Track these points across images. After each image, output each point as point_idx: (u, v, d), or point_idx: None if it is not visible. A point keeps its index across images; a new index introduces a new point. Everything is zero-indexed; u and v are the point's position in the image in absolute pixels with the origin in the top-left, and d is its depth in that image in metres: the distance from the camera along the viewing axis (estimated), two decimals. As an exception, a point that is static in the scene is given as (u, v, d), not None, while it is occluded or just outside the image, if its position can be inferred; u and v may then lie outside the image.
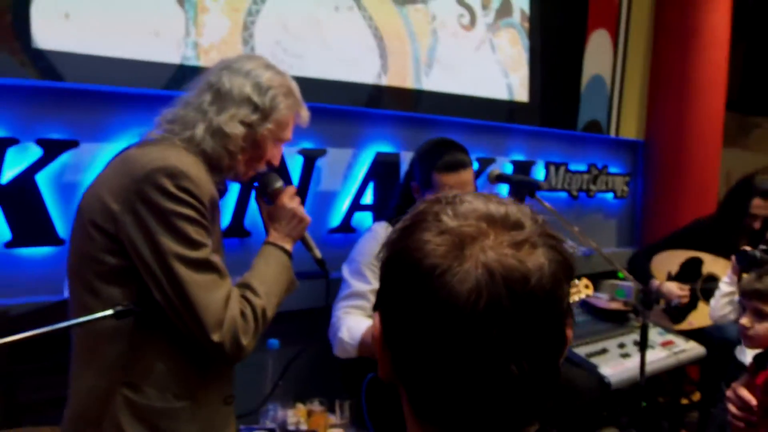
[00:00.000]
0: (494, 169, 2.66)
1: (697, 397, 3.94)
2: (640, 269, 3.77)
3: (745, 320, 2.22)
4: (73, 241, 1.61)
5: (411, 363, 0.75)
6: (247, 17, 2.69)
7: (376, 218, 3.08)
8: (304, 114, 1.80)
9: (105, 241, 1.52)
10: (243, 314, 1.58)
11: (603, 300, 3.37)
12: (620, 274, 4.13)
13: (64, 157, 2.32)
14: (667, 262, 3.77)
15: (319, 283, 2.64)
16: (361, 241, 2.57)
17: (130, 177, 1.51)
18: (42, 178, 2.29)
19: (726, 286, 2.99)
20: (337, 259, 2.62)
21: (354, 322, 2.36)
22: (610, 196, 4.52)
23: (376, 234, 2.53)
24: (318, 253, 1.94)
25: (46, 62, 2.22)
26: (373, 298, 2.43)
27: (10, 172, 2.23)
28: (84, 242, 1.55)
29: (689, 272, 3.69)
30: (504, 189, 3.57)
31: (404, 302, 0.75)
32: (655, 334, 3.34)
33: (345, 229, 3.08)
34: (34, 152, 2.26)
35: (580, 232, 2.46)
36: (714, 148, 4.62)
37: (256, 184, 1.89)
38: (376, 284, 2.42)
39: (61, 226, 2.31)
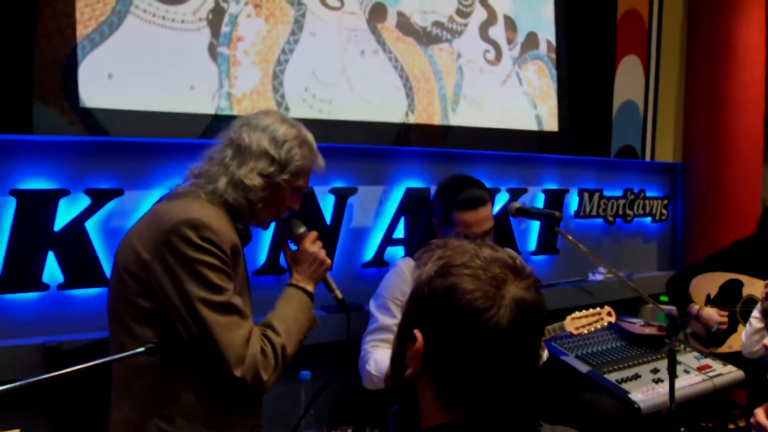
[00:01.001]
0: (514, 202, 2.69)
1: (744, 423, 3.88)
2: (679, 292, 3.75)
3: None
4: (111, 287, 1.77)
5: (453, 370, 1.01)
6: (277, 67, 2.84)
7: (406, 250, 3.14)
8: (320, 162, 1.93)
9: (138, 286, 1.68)
10: (263, 351, 1.71)
11: (637, 325, 3.38)
12: (663, 298, 4.15)
13: (111, 205, 2.49)
14: (707, 285, 3.74)
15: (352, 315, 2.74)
16: (386, 277, 2.65)
17: (159, 229, 1.67)
18: (91, 225, 2.47)
19: (757, 321, 2.93)
20: (371, 292, 2.74)
21: (380, 356, 2.44)
22: (648, 220, 4.51)
23: (399, 270, 2.61)
24: (338, 294, 2.04)
25: (92, 119, 2.43)
26: (398, 331, 2.51)
27: (63, 221, 2.42)
28: (120, 287, 1.71)
29: (729, 294, 3.66)
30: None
31: (454, 330, 1.01)
32: (691, 359, 3.32)
33: (378, 263, 3.16)
34: (83, 201, 2.45)
35: (597, 258, 2.51)
36: (754, 166, 4.56)
37: (281, 229, 2.03)
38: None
39: (109, 268, 2.42)
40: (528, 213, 2.64)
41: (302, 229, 1.99)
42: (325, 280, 2.01)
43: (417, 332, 1.04)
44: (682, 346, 3.36)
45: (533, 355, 1.05)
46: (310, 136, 1.90)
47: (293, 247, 2.00)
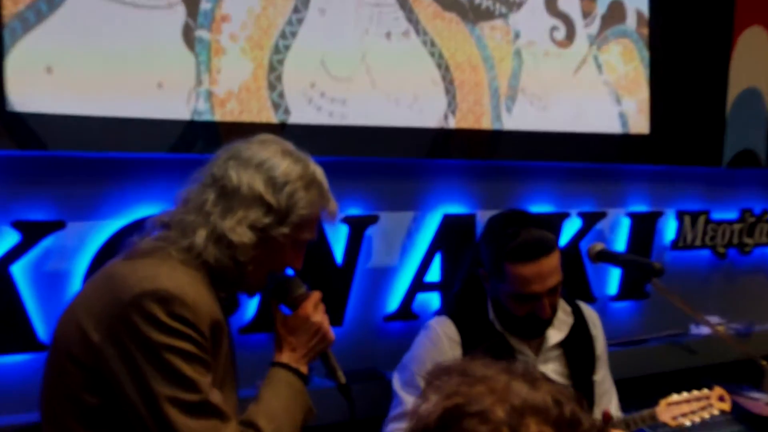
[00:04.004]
0: (597, 243, 2.63)
1: None
2: None
3: None
4: (47, 376, 1.74)
5: None
6: (274, 56, 2.80)
7: (443, 305, 3.13)
8: (332, 208, 1.91)
9: (84, 376, 1.65)
10: None
11: (761, 402, 3.29)
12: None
13: (47, 242, 2.48)
14: None
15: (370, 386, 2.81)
16: (416, 344, 2.61)
17: (115, 301, 1.64)
18: (19, 270, 2.44)
19: None
20: (395, 356, 2.71)
21: (406, 450, 2.40)
22: (773, 250, 4.41)
23: (433, 335, 2.57)
24: (342, 377, 2.01)
25: (24, 128, 2.38)
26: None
27: (-20, 264, 2.39)
28: (59, 377, 1.68)
29: None
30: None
31: None
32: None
33: (405, 316, 3.13)
34: (10, 238, 2.42)
35: (701, 316, 2.42)
36: None
37: (271, 287, 1.99)
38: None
39: (42, 328, 2.45)
40: (615, 260, 2.62)
41: (302, 289, 1.98)
42: (325, 357, 2.00)
43: None
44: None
45: None
46: (319, 173, 1.89)
47: (287, 311, 1.99)
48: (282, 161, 1.81)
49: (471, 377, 1.02)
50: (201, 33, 2.67)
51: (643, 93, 3.80)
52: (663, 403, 2.54)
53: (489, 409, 0.97)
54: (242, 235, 1.75)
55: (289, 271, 1.98)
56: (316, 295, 1.97)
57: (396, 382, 2.58)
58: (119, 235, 2.51)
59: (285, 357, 1.90)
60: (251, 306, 2.82)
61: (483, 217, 3.21)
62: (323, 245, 2.94)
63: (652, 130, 3.83)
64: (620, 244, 3.80)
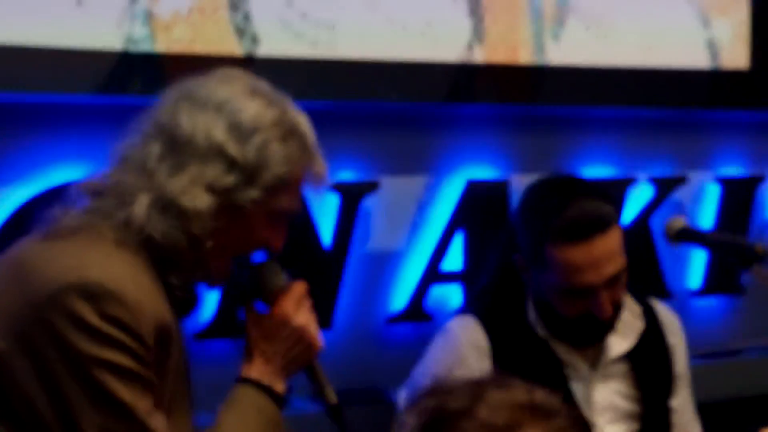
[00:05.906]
0: (677, 218, 2.59)
1: None
2: None
3: None
4: None
5: None
6: (238, -37, 2.82)
7: (468, 302, 3.15)
8: (319, 168, 1.87)
9: None
10: None
11: None
12: None
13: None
14: None
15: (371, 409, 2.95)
16: (430, 354, 2.59)
17: (29, 298, 1.62)
18: None
19: None
20: (402, 370, 2.68)
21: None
22: None
23: (454, 342, 2.54)
24: (332, 396, 2.00)
25: None
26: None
27: None
28: None
29: None
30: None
31: None
32: None
33: (415, 316, 3.15)
34: None
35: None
36: None
37: (240, 275, 2.00)
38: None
39: None
40: (702, 239, 2.65)
41: (280, 280, 1.97)
42: (310, 371, 2.00)
43: None
44: None
45: None
46: (302, 120, 1.85)
47: (261, 307, 2.01)
48: (250, 102, 1.79)
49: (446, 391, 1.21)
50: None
51: (742, 12, 3.76)
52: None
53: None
54: (197, 198, 1.72)
55: (264, 255, 1.99)
56: (298, 288, 1.96)
57: (403, 404, 2.57)
58: (30, 206, 2.53)
59: (255, 371, 1.89)
60: (210, 304, 2.83)
61: (519, 183, 3.21)
62: (305, 221, 2.93)
63: (753, 64, 3.78)
64: (707, 219, 3.80)
